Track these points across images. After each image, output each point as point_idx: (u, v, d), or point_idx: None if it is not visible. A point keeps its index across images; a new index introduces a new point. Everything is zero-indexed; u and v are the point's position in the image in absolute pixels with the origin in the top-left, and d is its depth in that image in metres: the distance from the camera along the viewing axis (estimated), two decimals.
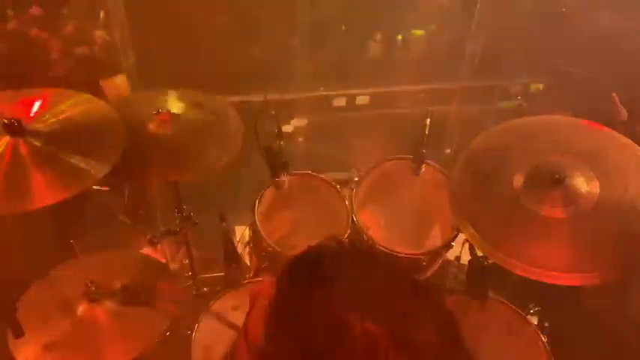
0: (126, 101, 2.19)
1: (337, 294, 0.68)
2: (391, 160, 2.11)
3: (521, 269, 1.42)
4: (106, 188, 2.23)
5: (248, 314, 0.76)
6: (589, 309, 2.02)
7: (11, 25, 2.49)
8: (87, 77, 2.57)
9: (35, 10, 2.49)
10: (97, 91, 2.55)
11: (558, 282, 1.40)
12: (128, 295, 1.75)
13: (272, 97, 2.86)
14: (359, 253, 0.77)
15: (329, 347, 0.65)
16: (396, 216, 2.10)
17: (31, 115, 1.66)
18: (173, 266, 2.39)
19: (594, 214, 1.45)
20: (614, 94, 2.29)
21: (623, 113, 2.27)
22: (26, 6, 2.49)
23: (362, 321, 0.65)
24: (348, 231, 1.93)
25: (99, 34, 2.64)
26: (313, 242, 0.78)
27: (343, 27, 3.03)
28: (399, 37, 3.22)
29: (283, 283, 0.73)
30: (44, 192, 1.49)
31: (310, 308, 0.68)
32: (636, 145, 1.58)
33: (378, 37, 3.18)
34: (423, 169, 2.03)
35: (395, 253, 1.85)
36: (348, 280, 0.70)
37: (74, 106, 1.73)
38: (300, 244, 0.79)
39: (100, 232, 2.31)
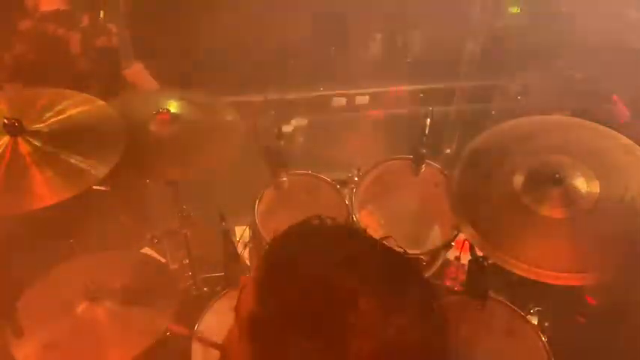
0: (124, 100, 2.19)
1: (321, 257, 0.72)
2: (391, 160, 2.11)
3: (521, 269, 1.42)
4: (106, 188, 2.23)
5: (238, 297, 0.79)
6: (589, 309, 2.03)
7: (26, 24, 2.47)
8: (109, 68, 2.58)
9: (44, 6, 2.48)
10: (120, 82, 2.57)
11: (558, 282, 1.40)
12: (128, 295, 1.75)
13: (272, 97, 2.87)
14: (345, 227, 0.81)
15: (315, 305, 0.68)
16: (396, 216, 2.10)
17: None
18: (173, 266, 2.39)
19: (594, 214, 1.45)
20: (614, 96, 2.29)
21: (625, 114, 2.27)
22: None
23: (344, 280, 0.68)
24: None
25: (112, 25, 2.64)
26: None
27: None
28: (399, 37, 3.23)
29: (271, 250, 0.76)
30: (44, 192, 1.49)
31: (295, 269, 0.71)
32: (636, 145, 1.58)
33: (378, 37, 3.18)
34: (423, 169, 2.03)
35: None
36: (333, 246, 0.74)
37: (74, 106, 1.73)
38: None
39: (100, 232, 2.31)
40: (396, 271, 0.74)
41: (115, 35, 2.62)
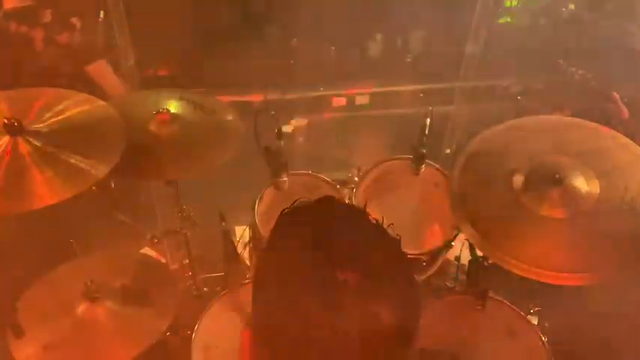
0: (124, 100, 2.19)
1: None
2: (391, 160, 2.11)
3: (521, 269, 1.42)
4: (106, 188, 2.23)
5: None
6: (589, 309, 2.02)
7: None
8: (72, 65, 2.56)
9: (8, 4, 2.46)
10: (84, 79, 2.55)
11: (558, 282, 1.40)
12: (128, 295, 1.75)
13: (272, 97, 2.87)
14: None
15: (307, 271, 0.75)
16: (396, 216, 2.09)
17: None
18: (173, 266, 2.39)
19: (594, 214, 1.45)
20: (615, 93, 2.29)
21: (624, 112, 2.27)
22: None
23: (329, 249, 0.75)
24: None
25: (74, 19, 2.60)
26: None
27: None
28: (399, 37, 3.23)
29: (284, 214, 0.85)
30: (44, 192, 1.49)
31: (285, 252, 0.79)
32: (636, 145, 1.58)
33: (378, 37, 3.18)
34: (423, 169, 2.03)
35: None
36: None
37: (74, 106, 1.73)
38: None
39: (100, 232, 2.31)
40: (375, 240, 0.80)
41: (78, 31, 2.59)
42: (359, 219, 0.82)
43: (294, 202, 0.85)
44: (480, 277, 1.68)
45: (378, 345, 0.73)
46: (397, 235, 0.83)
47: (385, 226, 0.83)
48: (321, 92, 3.12)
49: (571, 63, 2.54)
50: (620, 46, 2.67)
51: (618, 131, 1.65)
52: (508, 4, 3.13)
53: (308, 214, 0.82)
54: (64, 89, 1.80)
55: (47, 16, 2.52)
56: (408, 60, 3.23)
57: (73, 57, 2.56)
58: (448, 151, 3.26)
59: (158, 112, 1.88)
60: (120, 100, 2.26)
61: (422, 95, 3.18)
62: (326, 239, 0.76)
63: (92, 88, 2.55)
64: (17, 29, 2.44)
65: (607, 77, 2.44)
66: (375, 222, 0.82)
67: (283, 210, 0.84)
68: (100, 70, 2.60)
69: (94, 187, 1.52)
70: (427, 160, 2.01)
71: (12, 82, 1.92)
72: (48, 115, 1.67)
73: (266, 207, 2.02)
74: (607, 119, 2.02)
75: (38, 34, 2.48)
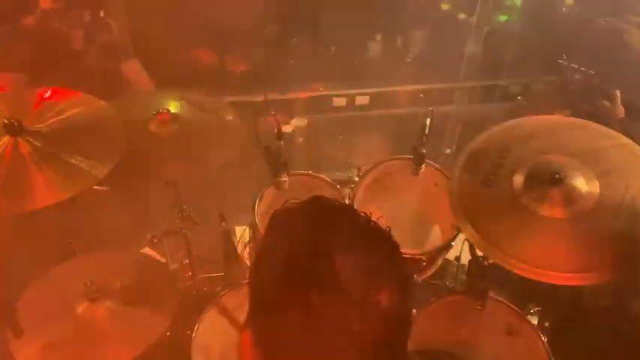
0: (124, 100, 2.19)
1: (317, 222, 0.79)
2: (391, 160, 2.11)
3: (521, 269, 1.42)
4: (106, 188, 2.23)
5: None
6: (589, 309, 2.02)
7: (28, 20, 2.47)
8: (110, 64, 2.59)
9: (44, 4, 2.48)
10: (121, 79, 2.58)
11: (558, 282, 1.40)
12: (128, 295, 1.75)
13: (272, 97, 2.87)
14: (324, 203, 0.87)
15: (301, 277, 0.73)
16: (396, 216, 2.10)
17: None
18: (173, 266, 2.39)
19: (594, 214, 1.45)
20: (617, 92, 2.28)
21: (620, 110, 2.27)
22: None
23: (322, 246, 0.75)
24: None
25: (111, 20, 2.66)
26: None
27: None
28: (399, 37, 3.23)
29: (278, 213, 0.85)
30: (44, 192, 1.49)
31: (274, 253, 0.78)
32: (636, 145, 1.58)
33: (378, 37, 3.18)
34: (423, 169, 2.03)
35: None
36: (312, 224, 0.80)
37: (74, 106, 1.73)
38: None
39: (100, 232, 2.31)
40: (369, 236, 0.80)
41: (114, 31, 2.63)
42: (349, 217, 0.83)
43: (284, 204, 0.86)
44: (480, 277, 1.68)
45: (375, 340, 0.73)
46: (387, 227, 0.83)
47: (380, 224, 0.83)
48: (321, 92, 3.12)
49: (571, 61, 2.54)
50: (620, 45, 2.66)
51: (615, 129, 1.65)
52: (509, 2, 3.13)
53: (298, 215, 0.82)
54: (65, 89, 1.80)
55: (86, 16, 2.57)
56: (408, 60, 3.23)
57: (110, 56, 2.61)
58: (448, 151, 3.26)
59: (158, 112, 1.88)
60: (120, 100, 2.26)
61: (422, 95, 3.18)
62: (317, 238, 0.76)
63: (127, 86, 2.62)
64: (58, 28, 2.47)
65: (607, 76, 2.44)
66: (365, 218, 0.82)
67: (274, 212, 0.85)
68: (134, 69, 2.63)
69: (102, 187, 1.53)
70: (427, 160, 2.01)
71: (50, 78, 1.93)
72: (48, 115, 1.67)
73: (266, 207, 2.02)
74: (602, 118, 2.02)
75: (77, 35, 2.52)
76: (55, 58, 2.47)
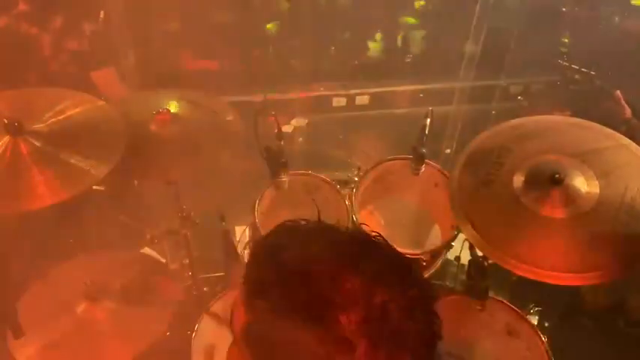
0: (125, 100, 2.19)
1: (300, 250, 0.76)
2: (391, 160, 2.11)
3: (521, 269, 1.42)
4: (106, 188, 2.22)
5: (231, 318, 0.83)
6: (589, 309, 2.02)
7: (1, 21, 2.45)
8: (80, 72, 2.55)
9: (22, 5, 2.44)
10: (91, 85, 2.55)
11: (558, 282, 1.40)
12: (128, 295, 1.75)
13: (272, 97, 2.87)
14: (321, 222, 0.85)
15: (300, 295, 0.71)
16: (396, 216, 2.10)
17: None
18: (173, 266, 2.39)
19: (594, 214, 1.45)
20: (618, 92, 2.28)
21: (627, 111, 2.27)
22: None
23: (324, 264, 0.72)
24: None
25: (87, 26, 2.60)
26: None
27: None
28: (399, 37, 3.23)
29: (253, 255, 0.84)
30: (44, 192, 1.49)
31: (276, 265, 0.77)
32: (636, 145, 1.58)
33: (378, 37, 3.18)
34: (423, 169, 2.03)
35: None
36: (311, 239, 0.79)
37: (74, 106, 1.73)
38: None
39: (100, 232, 2.31)
40: (372, 249, 0.78)
41: (87, 38, 2.59)
42: (330, 233, 0.81)
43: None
44: (480, 277, 1.68)
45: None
46: (377, 233, 0.81)
47: (375, 230, 0.81)
48: (321, 92, 3.12)
49: (572, 62, 2.54)
50: (620, 44, 2.67)
51: (620, 131, 1.65)
52: (509, 2, 3.12)
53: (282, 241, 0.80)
54: (64, 89, 1.80)
55: (58, 22, 2.51)
56: (408, 60, 3.23)
57: (81, 64, 2.56)
58: (448, 151, 3.26)
59: (158, 112, 1.88)
60: (120, 100, 2.26)
61: (422, 95, 3.18)
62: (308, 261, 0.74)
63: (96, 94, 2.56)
64: (27, 30, 2.43)
65: (608, 76, 2.44)
66: (349, 232, 0.80)
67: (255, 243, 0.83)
68: (106, 77, 2.60)
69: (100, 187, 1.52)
70: (427, 160, 2.01)
71: (18, 82, 1.92)
72: (48, 115, 1.67)
73: (266, 207, 2.02)
74: (609, 119, 2.01)
75: (47, 40, 2.47)
76: (22, 60, 2.43)
